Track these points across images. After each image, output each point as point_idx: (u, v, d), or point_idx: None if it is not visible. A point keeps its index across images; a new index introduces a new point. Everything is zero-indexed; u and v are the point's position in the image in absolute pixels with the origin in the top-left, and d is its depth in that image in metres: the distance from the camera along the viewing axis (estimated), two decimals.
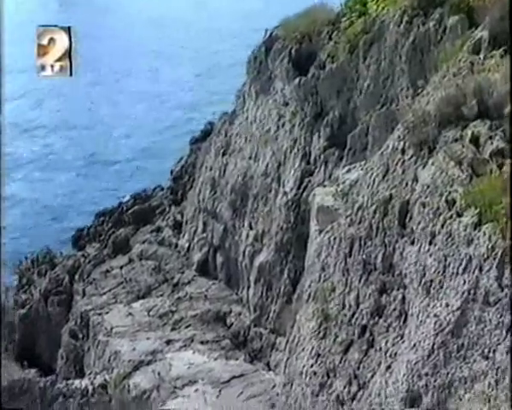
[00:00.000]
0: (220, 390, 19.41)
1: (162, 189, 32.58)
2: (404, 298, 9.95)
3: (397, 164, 10.90)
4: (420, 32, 17.74)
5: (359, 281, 10.93)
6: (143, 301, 24.53)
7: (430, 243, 9.45)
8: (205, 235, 25.92)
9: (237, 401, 18.98)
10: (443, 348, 8.66)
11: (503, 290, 8.21)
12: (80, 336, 24.51)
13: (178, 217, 28.59)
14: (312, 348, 11.61)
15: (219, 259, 25.07)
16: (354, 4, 20.89)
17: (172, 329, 22.78)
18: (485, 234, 8.60)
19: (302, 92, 21.63)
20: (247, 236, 23.27)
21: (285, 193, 21.64)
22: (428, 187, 9.86)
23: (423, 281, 9.36)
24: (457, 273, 8.76)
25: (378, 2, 19.69)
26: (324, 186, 16.38)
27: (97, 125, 54.75)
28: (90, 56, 68.07)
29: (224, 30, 77.17)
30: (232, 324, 22.86)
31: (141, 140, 50.78)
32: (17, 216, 40.82)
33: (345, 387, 10.62)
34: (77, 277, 27.06)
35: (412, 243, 9.90)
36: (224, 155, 25.77)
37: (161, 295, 24.70)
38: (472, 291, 8.50)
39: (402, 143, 10.97)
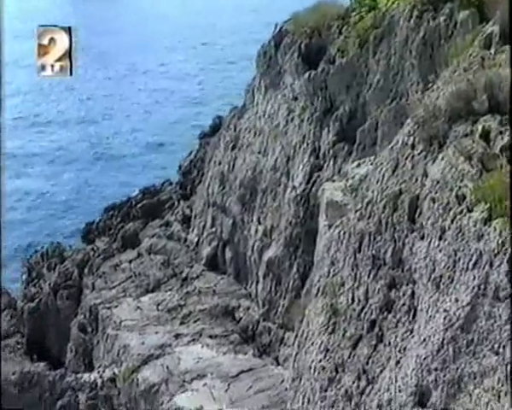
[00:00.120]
0: (229, 384, 19.45)
1: (171, 183, 32.61)
2: (413, 293, 9.93)
3: (406, 159, 10.87)
4: (430, 27, 17.69)
5: (368, 276, 10.91)
6: (152, 295, 24.58)
7: (440, 239, 9.42)
8: (214, 229, 25.94)
9: (246, 395, 19.01)
10: (452, 343, 8.64)
11: None
12: (89, 329, 24.58)
13: (187, 211, 28.62)
14: (321, 343, 11.60)
15: (228, 253, 25.09)
16: None
17: (181, 323, 22.82)
18: (495, 229, 8.57)
19: (311, 87, 21.60)
20: (256, 230, 23.28)
21: (294, 188, 21.63)
22: (438, 182, 9.84)
23: (433, 276, 9.34)
24: (467, 268, 8.74)
25: None
26: (333, 181, 16.35)
27: (105, 120, 54.83)
28: (101, 51, 68.25)
29: (233, 25, 77.09)
30: (241, 318, 22.88)
31: (149, 134, 50.84)
32: (25, 209, 40.99)
33: (354, 382, 10.61)
34: (86, 270, 27.15)
35: (422, 238, 9.87)
36: (233, 149, 25.76)
37: (170, 290, 24.75)
38: (482, 286, 8.48)
39: (412, 137, 10.94)
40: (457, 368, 8.51)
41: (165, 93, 59.47)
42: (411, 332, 9.69)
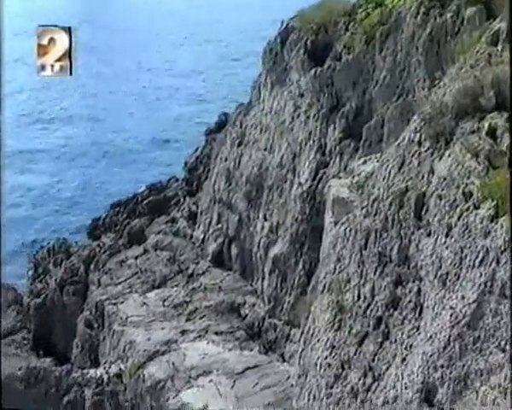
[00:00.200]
0: (234, 381, 19.48)
1: (177, 180, 32.65)
2: (419, 290, 9.91)
3: (413, 156, 10.85)
4: (437, 24, 17.66)
5: (375, 273, 10.90)
6: (158, 291, 24.62)
7: (446, 236, 9.41)
8: (220, 226, 25.96)
9: (251, 391, 19.03)
10: (459, 340, 8.63)
11: None
12: (95, 325, 24.64)
13: (193, 208, 28.65)
14: (327, 340, 11.60)
15: (234, 250, 25.11)
16: None
17: (187, 319, 22.86)
18: (502, 226, 8.56)
19: (318, 83, 21.59)
20: (262, 227, 23.29)
21: (300, 184, 21.63)
22: (445, 179, 9.82)
23: (439, 273, 9.33)
24: (474, 266, 8.72)
25: None
26: (340, 178, 16.36)
27: (110, 117, 54.89)
28: (106, 48, 68.30)
29: (238, 22, 77.06)
30: (246, 315, 22.90)
31: (154, 131, 50.86)
32: (31, 206, 41.08)
33: (359, 379, 10.60)
34: (92, 266, 27.21)
35: (428, 235, 9.86)
36: (239, 145, 25.77)
37: (176, 286, 24.79)
38: (488, 284, 8.46)
39: (418, 134, 10.92)
40: (464, 365, 8.51)
41: (170, 90, 59.48)
42: (417, 329, 9.68)
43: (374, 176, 12.32)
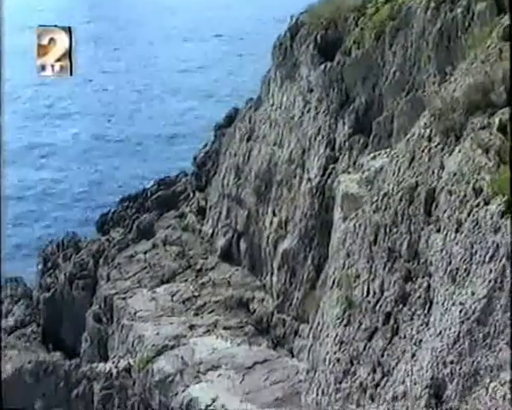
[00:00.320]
0: (243, 376, 19.50)
1: (186, 174, 32.65)
2: (429, 286, 9.90)
3: (423, 151, 10.82)
4: (447, 19, 17.59)
5: (384, 268, 10.89)
6: (167, 286, 24.66)
7: (456, 231, 9.38)
8: (229, 221, 25.97)
9: (260, 386, 19.06)
10: (468, 336, 8.61)
11: None
12: (104, 319, 24.70)
13: (202, 203, 28.67)
14: (336, 335, 11.60)
15: (243, 245, 25.12)
16: None
17: (196, 314, 22.89)
18: None
19: (327, 79, 21.55)
20: (271, 222, 23.29)
21: (309, 180, 21.61)
22: (455, 175, 9.79)
23: (449, 269, 9.31)
24: (484, 262, 8.70)
25: None
26: (349, 173, 16.30)
27: (119, 112, 54.95)
28: (115, 43, 68.40)
29: (247, 17, 77.04)
30: (255, 310, 22.91)
31: (162, 126, 50.91)
32: (39, 200, 41.18)
33: (369, 374, 10.60)
34: (101, 261, 27.27)
35: (438, 230, 9.83)
36: (248, 141, 25.76)
37: (185, 281, 24.83)
38: (498, 280, 8.44)
39: (428, 130, 10.89)
40: (473, 361, 8.49)
41: (178, 85, 59.46)
42: (427, 325, 9.67)
43: (383, 171, 12.30)
